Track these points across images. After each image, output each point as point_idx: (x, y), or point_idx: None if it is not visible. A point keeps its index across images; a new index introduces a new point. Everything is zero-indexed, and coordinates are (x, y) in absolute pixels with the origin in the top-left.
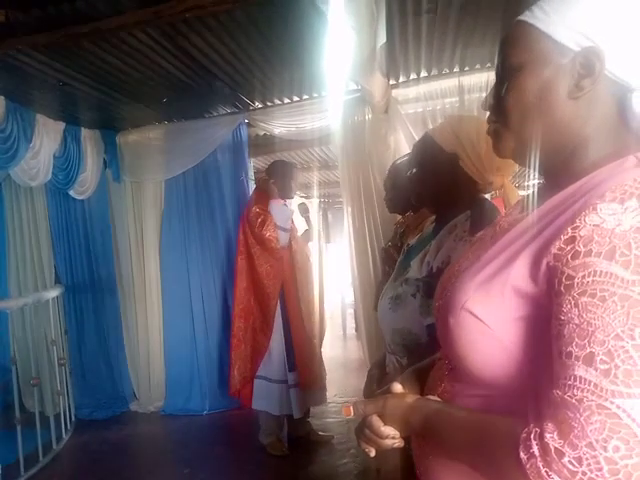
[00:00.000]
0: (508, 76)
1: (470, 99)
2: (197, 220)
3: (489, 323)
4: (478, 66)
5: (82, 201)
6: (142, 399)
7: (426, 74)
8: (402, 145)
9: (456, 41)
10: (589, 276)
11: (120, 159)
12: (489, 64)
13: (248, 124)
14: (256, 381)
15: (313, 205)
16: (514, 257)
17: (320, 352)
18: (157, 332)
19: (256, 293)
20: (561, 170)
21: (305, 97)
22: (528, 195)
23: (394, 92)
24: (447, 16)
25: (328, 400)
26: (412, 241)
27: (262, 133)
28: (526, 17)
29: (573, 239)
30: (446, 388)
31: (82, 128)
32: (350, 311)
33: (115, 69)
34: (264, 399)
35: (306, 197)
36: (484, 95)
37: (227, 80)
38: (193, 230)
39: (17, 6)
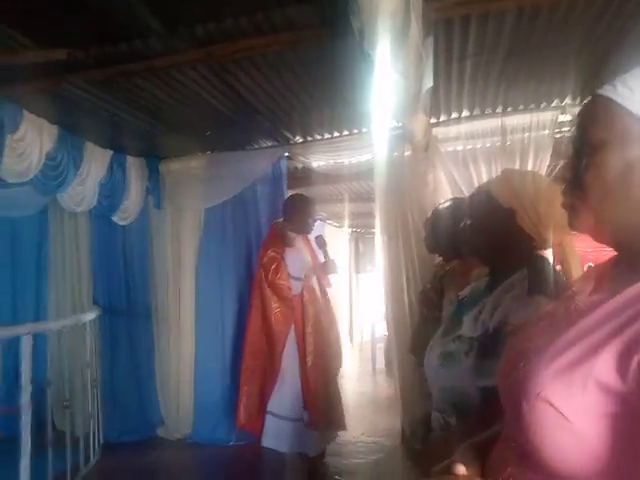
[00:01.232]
0: (588, 151)
1: (513, 139)
2: (234, 250)
3: (569, 416)
4: (521, 107)
5: (123, 226)
6: (169, 425)
7: (468, 113)
8: (442, 183)
9: (500, 83)
10: None
11: (162, 187)
12: (533, 105)
13: (287, 157)
14: (267, 417)
15: (344, 234)
16: (598, 348)
17: (338, 391)
18: (189, 359)
19: (266, 334)
20: None
21: (345, 133)
22: (601, 269)
23: (434, 130)
24: (492, 59)
25: (355, 439)
26: (463, 293)
27: (301, 166)
28: (608, 92)
29: None
30: (513, 473)
31: (127, 156)
32: (380, 345)
33: (163, 102)
34: (273, 436)
35: (338, 226)
36: (526, 135)
37: (270, 116)
38: (229, 260)
39: (78, 46)
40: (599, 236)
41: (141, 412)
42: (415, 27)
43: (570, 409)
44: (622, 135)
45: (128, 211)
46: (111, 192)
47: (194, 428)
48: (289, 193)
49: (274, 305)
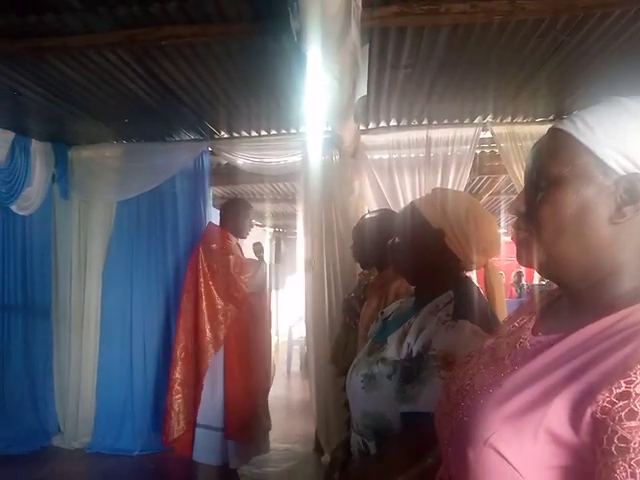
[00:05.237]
0: (545, 186)
1: (436, 152)
2: (147, 248)
3: (518, 467)
4: (446, 121)
5: (23, 217)
6: (67, 434)
7: (395, 123)
8: (367, 190)
9: (429, 96)
10: None
11: (70, 175)
12: (457, 120)
13: (211, 152)
14: (198, 430)
15: (266, 233)
16: (550, 396)
17: (267, 409)
18: (91, 362)
19: (200, 336)
20: (589, 292)
21: (273, 132)
22: (541, 304)
23: (363, 137)
24: (424, 72)
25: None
26: (388, 310)
27: (224, 162)
28: (567, 127)
29: (627, 395)
30: None
31: (32, 139)
32: (296, 347)
33: (77, 85)
34: (205, 450)
35: (260, 225)
36: (449, 149)
37: (194, 107)
38: (141, 258)
39: None
40: (547, 272)
41: (35, 419)
42: (354, 32)
43: (519, 459)
44: (580, 172)
45: (30, 200)
46: (11, 178)
47: (94, 436)
48: (211, 190)
49: (219, 305)
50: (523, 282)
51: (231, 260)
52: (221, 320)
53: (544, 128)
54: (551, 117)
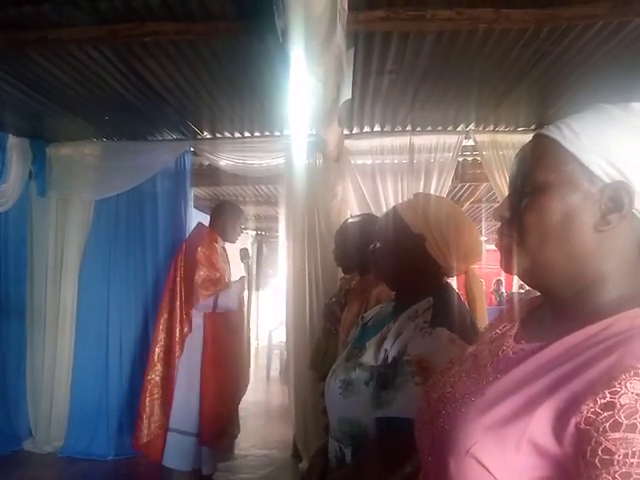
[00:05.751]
0: (529, 192)
1: (419, 158)
2: (125, 247)
3: (499, 478)
4: (429, 128)
5: None
6: (39, 437)
7: (379, 129)
8: (349, 195)
9: (413, 102)
10: (633, 457)
11: (48, 172)
12: (440, 127)
13: (193, 152)
14: (170, 435)
15: (249, 236)
16: (533, 405)
17: (237, 417)
18: (66, 364)
19: (171, 338)
20: (573, 300)
21: (256, 134)
22: (522, 311)
23: (346, 142)
24: (408, 79)
25: (245, 452)
26: (367, 315)
27: (207, 163)
28: (552, 133)
29: (612, 405)
30: None
31: (9, 135)
32: (276, 352)
33: (57, 80)
34: (178, 455)
35: (243, 228)
36: (432, 155)
37: (177, 106)
38: (119, 258)
39: None
40: (530, 279)
41: (5, 423)
42: (339, 35)
43: (501, 470)
44: (565, 179)
45: (5, 197)
46: None
47: (67, 440)
48: (192, 190)
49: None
50: (502, 290)
51: (199, 272)
52: (185, 324)
53: (526, 137)
54: (533, 127)
